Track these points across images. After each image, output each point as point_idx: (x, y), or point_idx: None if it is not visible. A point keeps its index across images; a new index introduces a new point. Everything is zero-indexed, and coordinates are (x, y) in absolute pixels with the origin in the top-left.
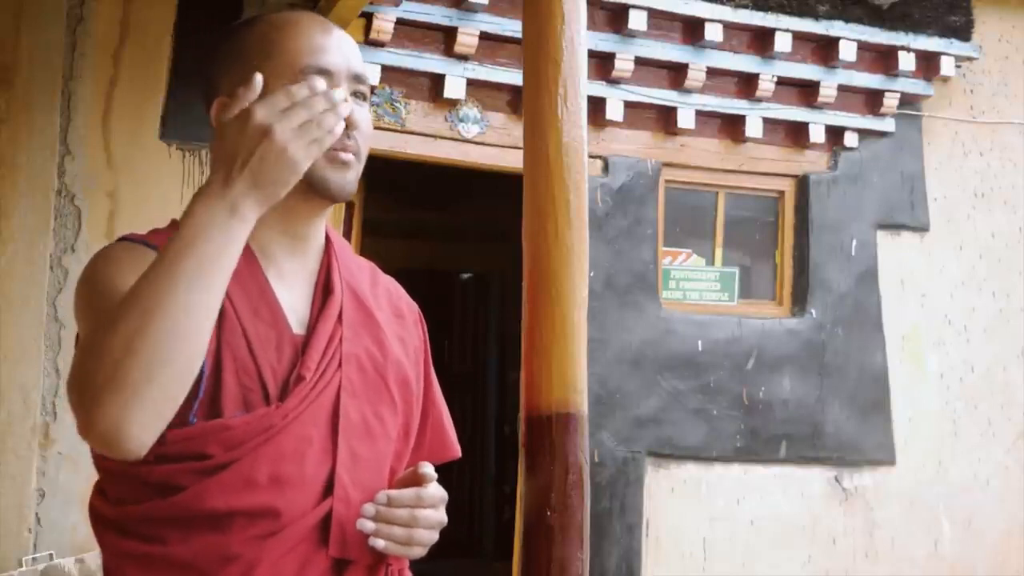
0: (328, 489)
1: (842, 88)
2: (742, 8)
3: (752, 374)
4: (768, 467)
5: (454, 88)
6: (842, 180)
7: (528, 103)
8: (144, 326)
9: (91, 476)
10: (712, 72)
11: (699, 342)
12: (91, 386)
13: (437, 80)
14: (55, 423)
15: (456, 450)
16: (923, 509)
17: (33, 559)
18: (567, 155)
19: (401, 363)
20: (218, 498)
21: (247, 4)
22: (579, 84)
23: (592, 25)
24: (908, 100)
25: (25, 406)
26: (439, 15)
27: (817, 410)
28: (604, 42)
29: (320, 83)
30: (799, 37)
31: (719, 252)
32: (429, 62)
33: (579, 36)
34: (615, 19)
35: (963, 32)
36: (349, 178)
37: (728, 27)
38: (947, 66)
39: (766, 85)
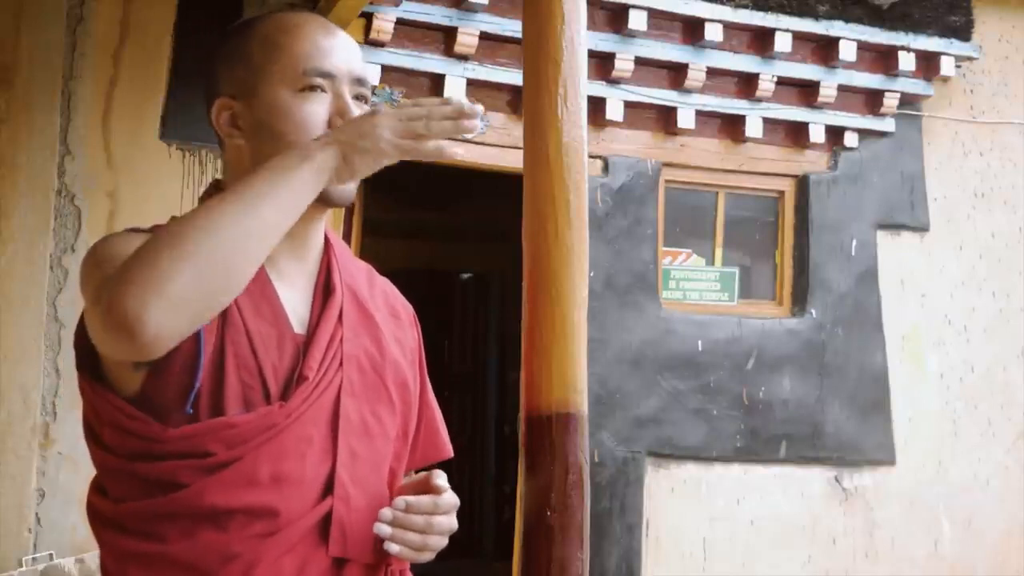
0: (328, 489)
1: (842, 88)
2: (742, 8)
3: (752, 374)
4: (768, 467)
5: (454, 88)
6: (842, 180)
7: (528, 103)
8: (196, 220)
9: (91, 476)
10: (712, 72)
11: (699, 342)
12: (121, 268)
13: (437, 80)
14: (55, 423)
15: (449, 450)
16: (923, 509)
17: (33, 559)
18: (567, 155)
19: (399, 364)
20: (219, 496)
21: (247, 4)
22: (579, 84)
23: (592, 25)
24: (908, 100)
25: (25, 406)
26: (439, 15)
27: (817, 410)
28: (604, 42)
29: (458, 96)
30: (799, 37)
31: (719, 252)
32: (429, 62)
33: (579, 36)
34: (615, 19)
35: (963, 32)
36: (349, 184)
37: (728, 27)
38: (947, 66)
39: (766, 85)
